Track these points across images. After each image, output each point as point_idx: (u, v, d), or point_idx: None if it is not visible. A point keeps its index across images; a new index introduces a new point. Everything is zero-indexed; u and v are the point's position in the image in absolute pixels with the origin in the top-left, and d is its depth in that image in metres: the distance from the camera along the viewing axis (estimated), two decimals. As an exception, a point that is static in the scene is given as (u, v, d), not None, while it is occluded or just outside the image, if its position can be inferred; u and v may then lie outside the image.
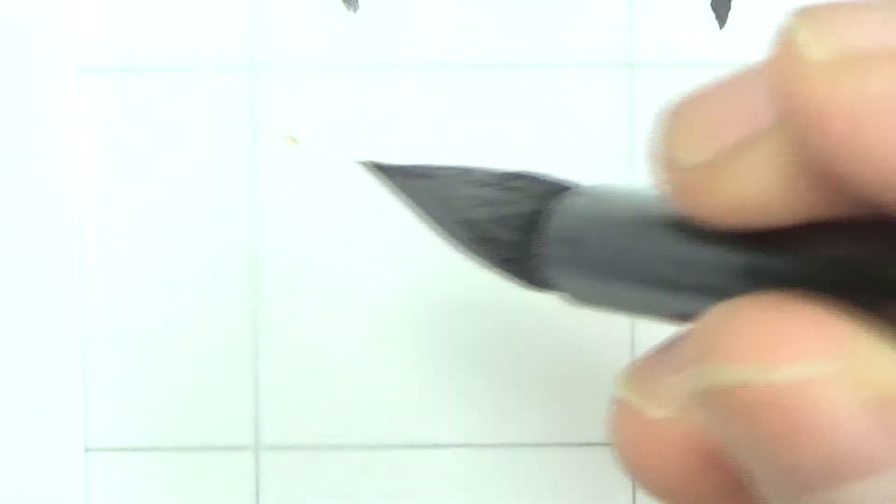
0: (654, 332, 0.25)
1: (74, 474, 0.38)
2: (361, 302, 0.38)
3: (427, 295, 0.38)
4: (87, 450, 0.38)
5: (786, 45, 0.16)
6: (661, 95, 0.38)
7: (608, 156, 0.38)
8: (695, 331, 0.19)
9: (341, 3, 0.38)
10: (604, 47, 0.38)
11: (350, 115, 0.38)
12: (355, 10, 0.38)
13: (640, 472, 0.21)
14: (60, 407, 0.38)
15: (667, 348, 0.23)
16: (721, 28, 0.38)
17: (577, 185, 0.31)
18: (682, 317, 0.22)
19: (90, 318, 0.38)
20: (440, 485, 0.38)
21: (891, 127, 0.15)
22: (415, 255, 0.38)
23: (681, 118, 0.17)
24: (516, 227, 0.30)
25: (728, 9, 0.38)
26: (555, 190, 0.30)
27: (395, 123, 0.38)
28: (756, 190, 0.17)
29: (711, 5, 0.38)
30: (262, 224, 0.38)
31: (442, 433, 0.38)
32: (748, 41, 0.38)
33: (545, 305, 0.31)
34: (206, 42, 0.38)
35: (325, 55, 0.38)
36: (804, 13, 0.17)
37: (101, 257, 0.38)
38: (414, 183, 0.33)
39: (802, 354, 0.17)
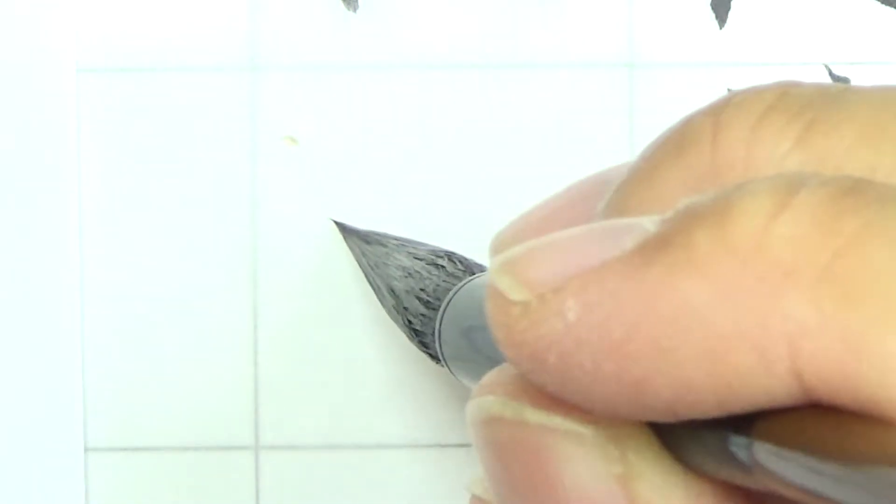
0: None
1: (74, 474, 0.38)
2: (361, 302, 0.38)
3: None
4: (87, 450, 0.38)
5: (492, 293, 0.18)
6: (661, 95, 0.38)
7: (608, 156, 0.38)
8: None
9: (341, 3, 0.38)
10: (604, 47, 0.38)
11: (350, 115, 0.38)
12: (355, 10, 0.38)
13: None
14: (60, 407, 0.38)
15: None
16: (721, 28, 0.38)
17: (483, 271, 0.34)
18: None
19: (90, 318, 0.38)
20: (440, 485, 0.38)
21: (591, 350, 0.17)
22: (415, 255, 0.38)
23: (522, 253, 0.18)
24: (424, 301, 0.34)
25: (728, 9, 0.38)
26: (469, 272, 0.33)
27: (395, 123, 0.38)
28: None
29: (711, 5, 0.38)
30: (262, 224, 0.38)
31: (442, 433, 0.38)
32: (748, 41, 0.38)
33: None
34: (206, 42, 0.38)
35: (325, 55, 0.38)
36: (502, 260, 0.18)
37: (101, 257, 0.38)
38: (368, 248, 0.36)
39: (556, 408, 0.18)
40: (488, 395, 0.19)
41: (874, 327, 0.15)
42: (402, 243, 0.36)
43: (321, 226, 0.38)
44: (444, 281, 0.34)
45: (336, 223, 0.37)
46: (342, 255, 0.38)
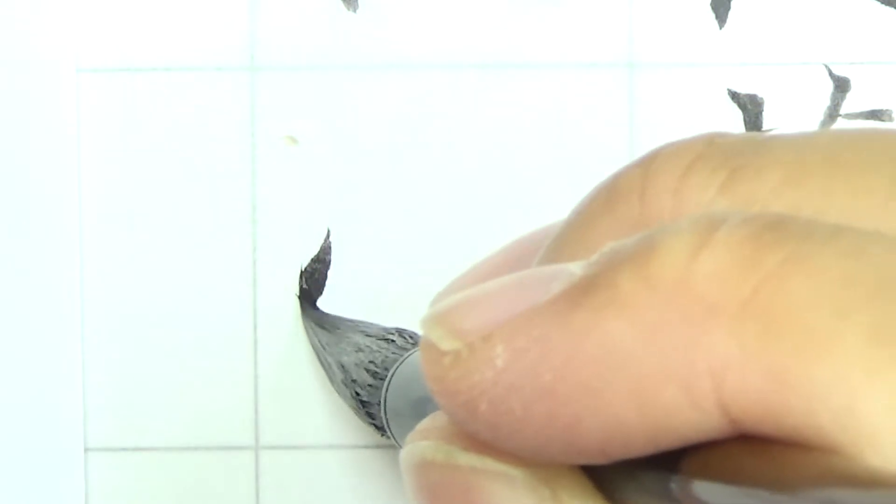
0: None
1: (74, 474, 0.38)
2: (361, 302, 0.38)
3: (429, 292, 0.38)
4: (87, 450, 0.38)
5: (425, 345, 0.18)
6: (661, 95, 0.38)
7: (608, 156, 0.38)
8: None
9: (341, 3, 0.38)
10: (604, 47, 0.38)
11: (350, 115, 0.38)
12: (355, 10, 0.38)
13: None
14: (60, 407, 0.38)
15: None
16: (721, 28, 0.38)
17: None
18: None
19: (90, 318, 0.38)
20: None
21: (521, 396, 0.17)
22: (414, 255, 0.38)
23: (456, 302, 0.18)
24: (372, 373, 0.35)
25: (728, 9, 0.38)
26: (418, 344, 0.34)
27: (395, 123, 0.38)
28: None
29: (711, 5, 0.38)
30: (262, 224, 0.38)
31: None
32: (748, 41, 0.38)
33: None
34: (206, 42, 0.38)
35: (325, 55, 0.38)
36: (433, 312, 0.18)
37: (101, 257, 0.38)
38: (321, 331, 0.37)
39: (487, 450, 0.18)
40: (421, 440, 0.19)
41: (794, 358, 0.15)
42: (356, 324, 0.37)
43: (321, 226, 0.38)
44: (392, 353, 0.36)
45: (299, 299, 0.38)
46: (342, 254, 0.38)
